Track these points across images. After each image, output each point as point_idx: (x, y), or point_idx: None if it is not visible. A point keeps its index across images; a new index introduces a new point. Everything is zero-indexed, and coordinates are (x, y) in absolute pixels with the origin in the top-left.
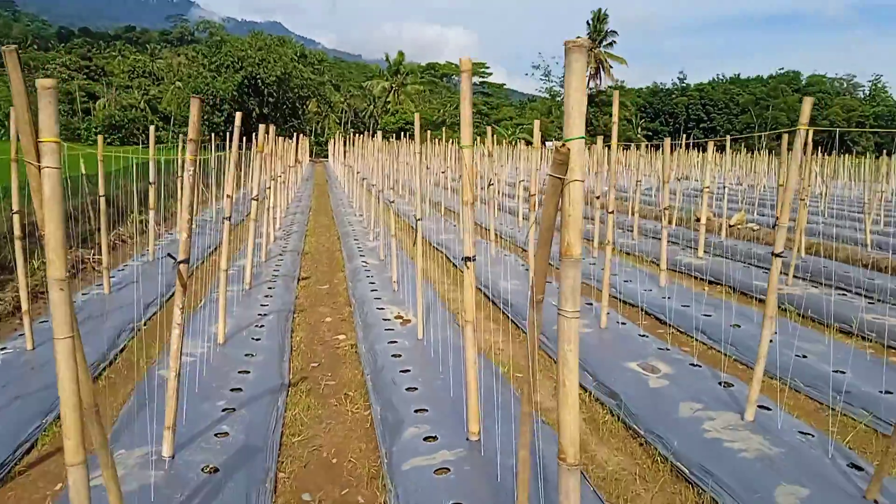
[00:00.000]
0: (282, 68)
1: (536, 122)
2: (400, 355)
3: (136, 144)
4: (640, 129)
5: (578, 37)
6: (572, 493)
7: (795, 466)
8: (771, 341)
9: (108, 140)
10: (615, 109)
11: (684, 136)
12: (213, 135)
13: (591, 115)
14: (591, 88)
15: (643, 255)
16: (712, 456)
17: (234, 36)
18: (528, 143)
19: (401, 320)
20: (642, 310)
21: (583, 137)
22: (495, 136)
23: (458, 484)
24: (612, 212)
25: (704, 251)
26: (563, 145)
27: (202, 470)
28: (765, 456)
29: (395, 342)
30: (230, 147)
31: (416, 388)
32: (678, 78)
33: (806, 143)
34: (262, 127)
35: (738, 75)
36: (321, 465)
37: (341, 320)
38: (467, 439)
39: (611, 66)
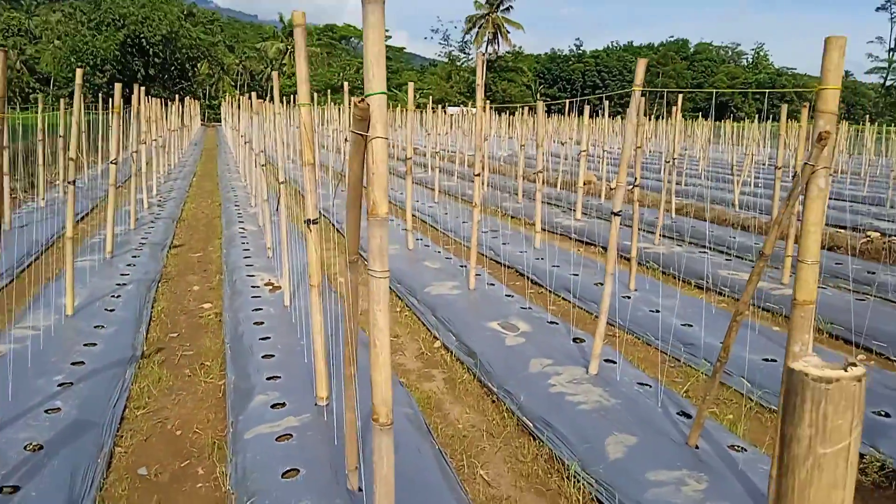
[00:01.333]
0: (168, 27)
1: (411, 85)
2: (263, 322)
3: (12, 108)
4: (539, 95)
5: (476, 1)
6: (385, 451)
7: (628, 416)
8: (629, 297)
9: None
10: (479, 72)
11: (570, 101)
12: (97, 96)
13: (489, 80)
14: (489, 53)
15: (526, 218)
16: (553, 409)
17: None
18: (424, 106)
19: (270, 287)
20: (506, 268)
21: (384, 93)
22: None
23: (298, 450)
24: (479, 174)
25: (583, 213)
26: (363, 100)
27: (24, 448)
28: (602, 407)
29: (261, 309)
30: (105, 108)
31: (273, 356)
32: (575, 45)
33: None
34: (117, 87)
35: (632, 43)
36: (164, 437)
37: (209, 289)
38: (315, 404)
39: (508, 32)
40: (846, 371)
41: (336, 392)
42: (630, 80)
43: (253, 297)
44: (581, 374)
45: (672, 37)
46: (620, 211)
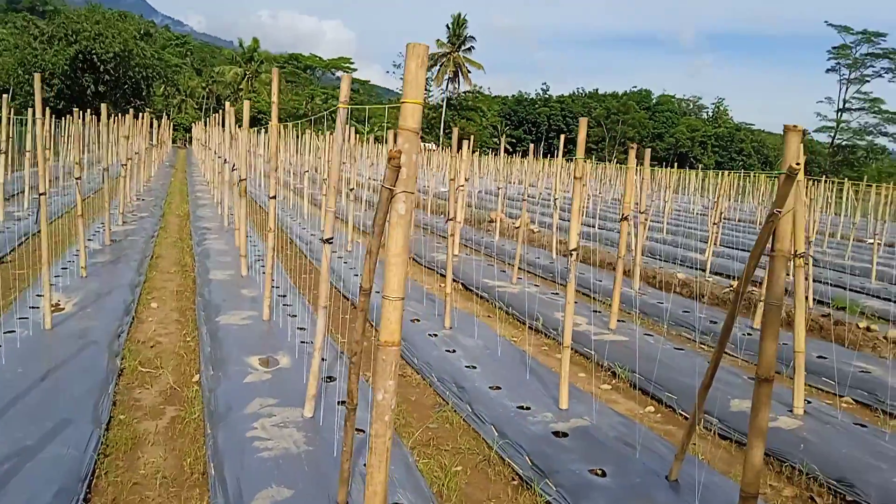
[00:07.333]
0: (121, 45)
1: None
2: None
3: None
4: (504, 136)
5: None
6: None
7: (305, 467)
8: (435, 336)
9: None
10: (274, 87)
11: (542, 145)
12: (45, 109)
13: (448, 117)
14: (450, 91)
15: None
16: (238, 454)
17: (69, 7)
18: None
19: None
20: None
21: None
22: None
23: None
24: (274, 196)
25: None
26: None
27: None
28: (285, 455)
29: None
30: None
31: None
32: (542, 89)
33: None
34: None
35: (597, 90)
36: None
37: None
38: None
39: (469, 71)
40: None
41: None
42: (592, 125)
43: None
44: (297, 416)
45: (636, 87)
46: (331, 238)
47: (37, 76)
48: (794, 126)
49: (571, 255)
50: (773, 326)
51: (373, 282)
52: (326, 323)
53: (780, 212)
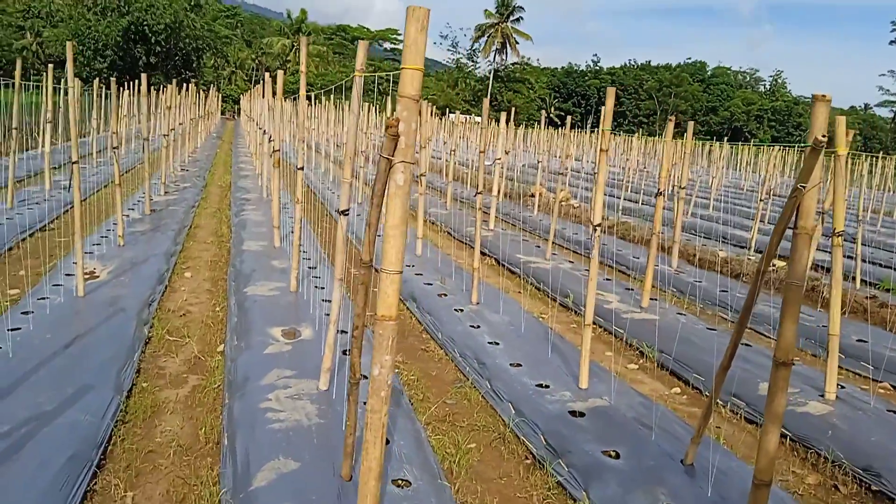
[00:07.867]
0: (172, 16)
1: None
2: None
3: (25, 89)
4: (553, 109)
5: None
6: None
7: (314, 439)
8: (461, 311)
9: None
10: (303, 57)
11: (582, 117)
12: (96, 80)
13: (496, 90)
14: (497, 63)
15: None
16: (250, 425)
17: None
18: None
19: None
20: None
21: None
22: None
23: None
24: (302, 167)
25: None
26: None
27: None
28: (296, 427)
29: None
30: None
31: None
32: (592, 61)
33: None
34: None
35: (649, 62)
36: None
37: None
38: None
39: (517, 42)
40: None
41: None
42: (644, 98)
43: None
44: (311, 388)
45: (689, 58)
46: (347, 210)
47: (69, 44)
48: (823, 95)
49: (595, 230)
50: (793, 307)
51: (373, 254)
52: (342, 296)
53: (804, 187)
